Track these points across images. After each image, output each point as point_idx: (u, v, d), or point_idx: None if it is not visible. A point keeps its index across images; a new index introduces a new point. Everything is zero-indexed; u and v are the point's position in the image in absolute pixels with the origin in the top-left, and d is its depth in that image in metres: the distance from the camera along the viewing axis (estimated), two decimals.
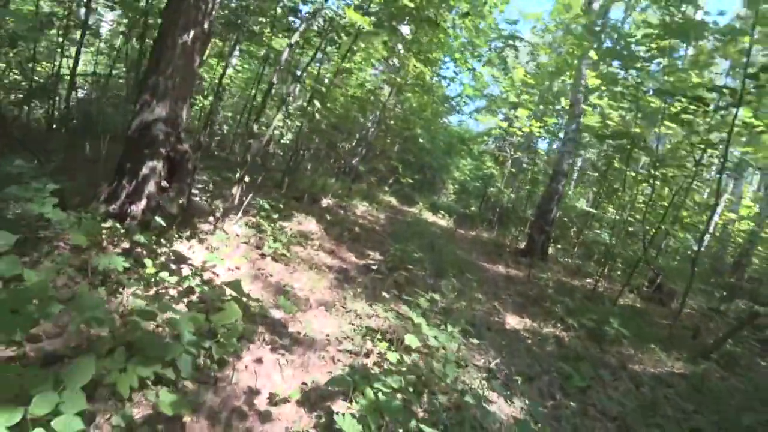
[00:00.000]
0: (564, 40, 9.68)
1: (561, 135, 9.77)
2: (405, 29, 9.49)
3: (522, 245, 9.46)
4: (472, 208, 12.18)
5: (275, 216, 5.39)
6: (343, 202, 8.87)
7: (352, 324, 3.65)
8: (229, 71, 13.62)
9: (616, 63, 6.75)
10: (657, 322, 6.28)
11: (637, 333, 5.12)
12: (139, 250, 3.30)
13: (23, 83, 6.74)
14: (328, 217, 6.80)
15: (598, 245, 11.29)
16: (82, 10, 6.96)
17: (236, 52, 10.86)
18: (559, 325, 4.99)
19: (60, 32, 6.66)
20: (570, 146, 8.47)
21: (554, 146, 13.64)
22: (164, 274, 3.10)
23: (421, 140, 13.30)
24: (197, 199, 5.22)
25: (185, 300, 3.02)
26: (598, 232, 10.83)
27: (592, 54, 7.38)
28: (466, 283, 5.73)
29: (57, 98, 6.84)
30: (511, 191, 12.16)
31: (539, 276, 7.13)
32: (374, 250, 6.11)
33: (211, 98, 9.83)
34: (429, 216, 12.19)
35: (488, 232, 11.90)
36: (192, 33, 3.83)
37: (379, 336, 3.40)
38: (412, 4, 6.11)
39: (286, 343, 3.05)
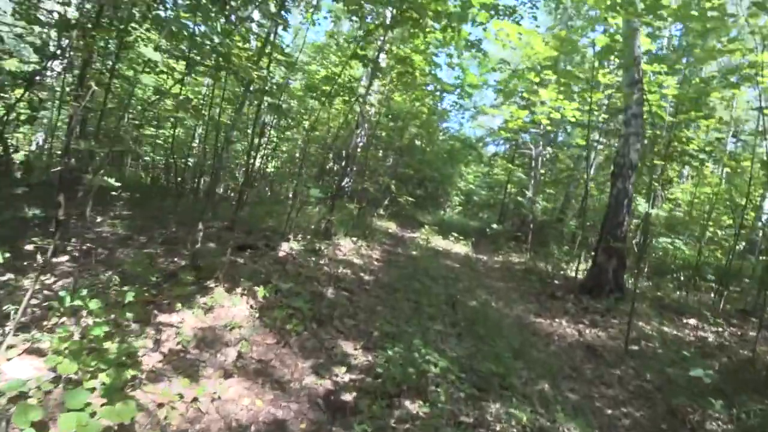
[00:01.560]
0: None
1: (599, 121, 7.12)
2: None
3: (577, 275, 6.67)
4: (494, 225, 9.41)
5: (128, 315, 2.69)
6: (316, 243, 6.19)
7: None
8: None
9: None
10: None
11: None
12: None
13: None
14: (280, 284, 4.09)
15: (670, 259, 8.49)
16: None
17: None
18: None
19: None
20: (637, 125, 5.77)
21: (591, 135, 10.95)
22: None
23: (417, 142, 10.75)
24: None
25: None
26: (668, 240, 8.05)
27: None
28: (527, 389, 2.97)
29: None
30: (542, 198, 9.42)
31: (636, 337, 4.34)
32: (353, 344, 3.37)
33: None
34: (439, 241, 9.47)
35: (518, 254, 9.14)
36: None
37: None
38: None
39: None
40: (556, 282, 6.72)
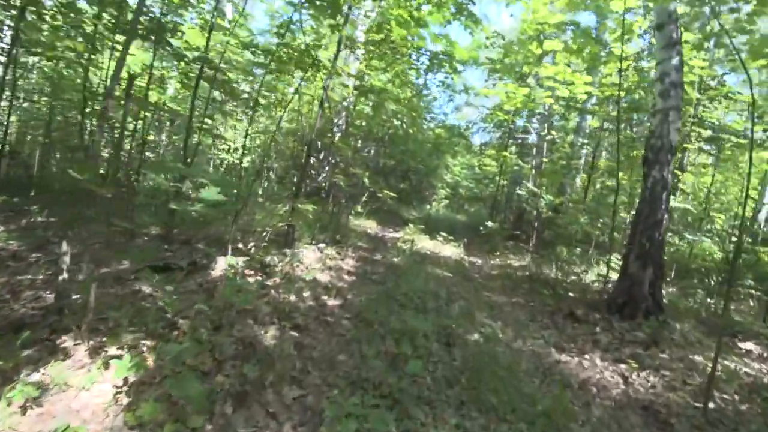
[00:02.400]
0: None
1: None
2: None
3: (604, 285, 5.43)
4: (488, 223, 8.12)
5: None
6: (269, 255, 4.80)
7: None
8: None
9: None
10: None
11: None
12: None
13: None
14: (202, 330, 2.71)
15: (690, 259, 7.35)
16: None
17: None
18: None
19: None
20: (677, 96, 4.51)
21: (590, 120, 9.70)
22: None
23: (399, 127, 9.49)
24: None
25: None
26: (694, 238, 6.91)
27: None
28: None
29: None
30: (544, 191, 8.14)
31: (701, 383, 3.09)
32: None
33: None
34: (425, 242, 8.16)
35: (517, 256, 7.88)
36: None
37: None
38: None
39: None
40: (571, 294, 5.47)
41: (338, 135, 13.50)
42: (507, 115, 9.14)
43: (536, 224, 7.42)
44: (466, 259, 7.50)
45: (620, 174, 5.82)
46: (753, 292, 5.97)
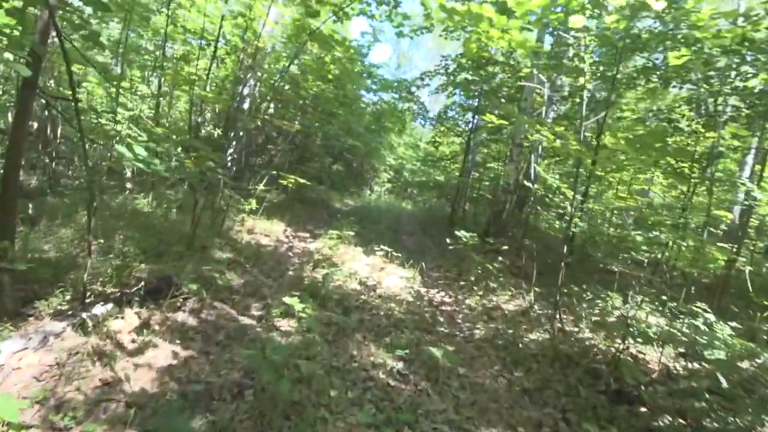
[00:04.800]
0: None
1: None
2: None
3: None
4: (461, 233, 4.94)
5: None
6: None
7: None
8: None
9: None
10: None
11: None
12: None
13: None
14: None
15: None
16: None
17: None
18: None
19: None
20: None
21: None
22: None
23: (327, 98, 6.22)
24: None
25: None
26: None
27: None
28: None
29: None
30: (556, 178, 5.00)
31: None
32: None
33: None
34: (357, 261, 4.94)
35: (508, 289, 4.85)
36: None
37: None
38: None
39: None
40: (648, 408, 2.51)
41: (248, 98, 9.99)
42: (482, 62, 5.99)
43: (570, 247, 4.33)
44: (424, 295, 4.37)
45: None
46: None
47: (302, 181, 5.48)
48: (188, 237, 4.09)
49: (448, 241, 4.91)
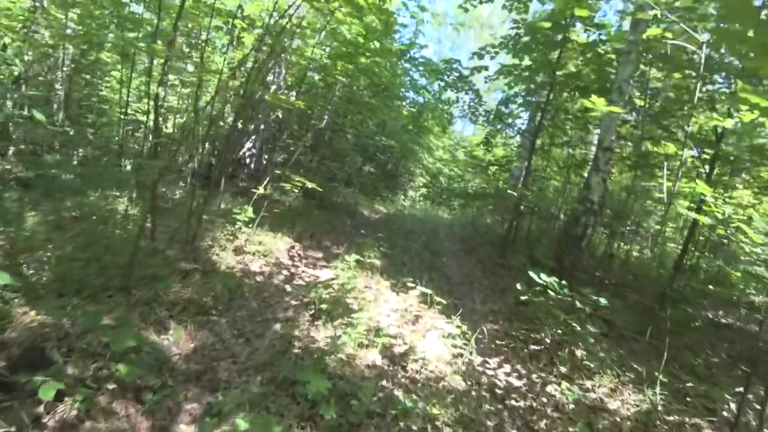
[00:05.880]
0: None
1: None
2: None
3: None
4: (540, 277, 3.30)
5: None
6: None
7: None
8: None
9: None
10: None
11: None
12: None
13: None
14: None
15: None
16: None
17: None
18: None
19: None
20: None
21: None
22: None
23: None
24: None
25: None
26: None
27: None
28: None
29: None
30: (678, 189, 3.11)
31: None
32: None
33: None
34: (383, 307, 3.43)
35: (613, 371, 3.21)
36: None
37: None
38: None
39: None
40: None
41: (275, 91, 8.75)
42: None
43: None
44: (482, 374, 2.79)
45: None
46: None
47: (310, 185, 4.00)
48: (126, 263, 2.69)
49: (518, 286, 3.30)
